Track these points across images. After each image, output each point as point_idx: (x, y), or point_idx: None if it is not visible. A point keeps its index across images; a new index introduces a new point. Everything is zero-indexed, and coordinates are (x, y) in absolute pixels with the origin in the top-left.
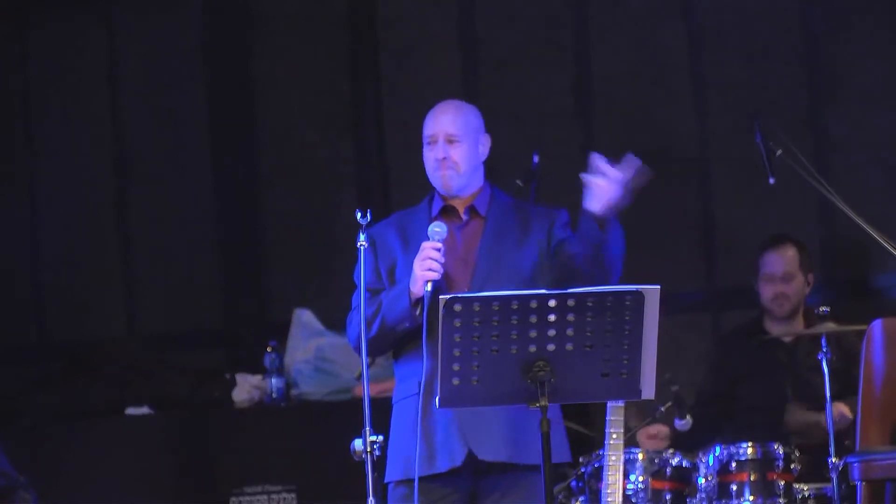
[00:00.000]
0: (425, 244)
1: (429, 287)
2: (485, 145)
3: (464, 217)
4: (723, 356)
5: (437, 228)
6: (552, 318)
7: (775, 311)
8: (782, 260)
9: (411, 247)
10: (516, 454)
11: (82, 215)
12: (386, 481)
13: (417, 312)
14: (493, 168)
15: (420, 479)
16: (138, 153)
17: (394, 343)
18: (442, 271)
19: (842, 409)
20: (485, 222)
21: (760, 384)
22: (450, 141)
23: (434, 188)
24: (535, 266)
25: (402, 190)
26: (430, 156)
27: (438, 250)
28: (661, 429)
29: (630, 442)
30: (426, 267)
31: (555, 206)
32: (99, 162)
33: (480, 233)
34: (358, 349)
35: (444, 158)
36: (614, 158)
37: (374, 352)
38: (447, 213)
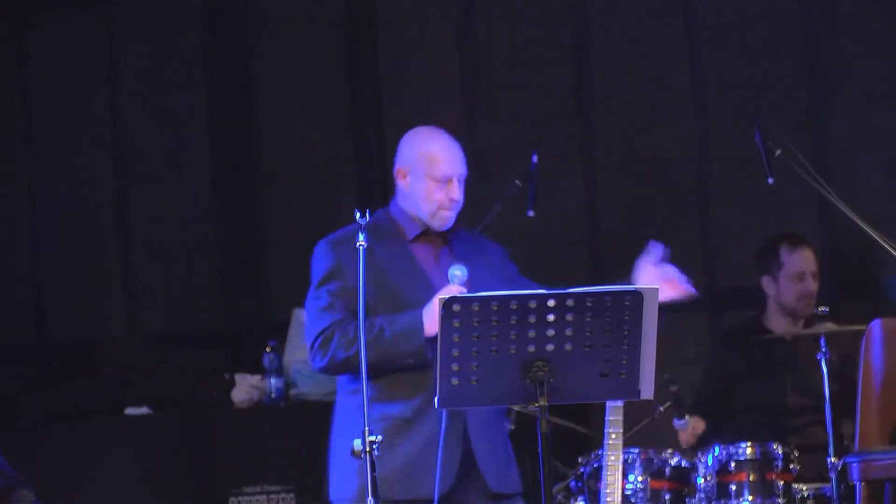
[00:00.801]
0: (452, 287)
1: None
2: None
3: (438, 240)
4: (722, 355)
5: (458, 272)
6: (551, 318)
7: (800, 310)
8: (808, 259)
9: (394, 267)
10: (503, 483)
11: (82, 215)
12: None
13: (430, 356)
14: (491, 168)
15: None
16: (138, 153)
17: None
18: None
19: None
20: (450, 247)
21: (760, 383)
22: (460, 180)
23: (394, 209)
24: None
25: None
26: (439, 195)
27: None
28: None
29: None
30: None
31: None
32: (99, 162)
33: (450, 255)
34: (326, 374)
35: (459, 201)
36: (614, 158)
37: (337, 372)
38: (422, 236)
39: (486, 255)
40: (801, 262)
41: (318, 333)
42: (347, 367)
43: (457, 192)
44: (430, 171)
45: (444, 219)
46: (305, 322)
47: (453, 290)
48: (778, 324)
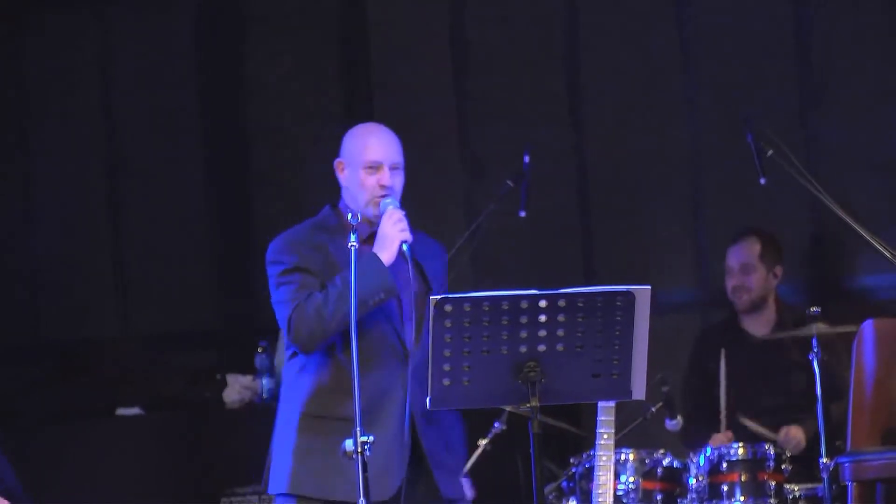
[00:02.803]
0: (392, 210)
1: (405, 247)
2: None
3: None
4: (700, 355)
5: (390, 201)
6: (543, 318)
7: (735, 303)
8: (741, 252)
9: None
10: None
11: (76, 215)
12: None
13: (385, 297)
14: (483, 168)
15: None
16: (132, 154)
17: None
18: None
19: (795, 433)
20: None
21: (735, 383)
22: (394, 168)
23: (341, 207)
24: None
25: None
26: (370, 181)
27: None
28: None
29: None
30: (401, 228)
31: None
32: (93, 162)
33: (408, 257)
34: (310, 349)
35: (391, 187)
36: (606, 158)
37: (322, 340)
38: (371, 238)
39: (436, 260)
40: (731, 256)
41: (289, 313)
42: (328, 332)
43: (387, 179)
44: (361, 158)
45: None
46: (277, 315)
47: (395, 212)
48: (745, 323)
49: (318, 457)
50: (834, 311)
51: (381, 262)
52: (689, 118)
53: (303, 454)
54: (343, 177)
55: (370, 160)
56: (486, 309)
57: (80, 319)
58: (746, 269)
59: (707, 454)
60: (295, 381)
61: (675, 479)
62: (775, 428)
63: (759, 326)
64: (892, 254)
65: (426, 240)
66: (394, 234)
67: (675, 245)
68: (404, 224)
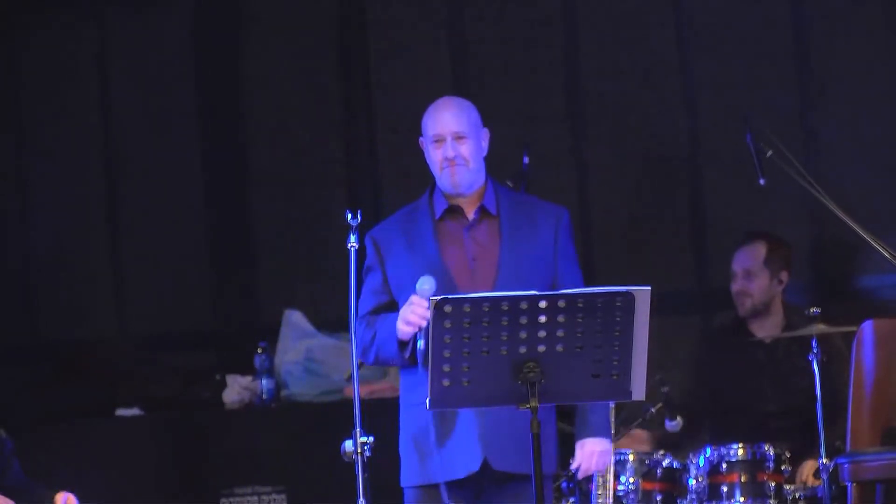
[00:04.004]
0: (413, 298)
1: (420, 345)
2: (485, 140)
3: (473, 216)
4: (706, 355)
5: (427, 286)
6: (543, 319)
7: (738, 307)
8: (745, 257)
9: (416, 252)
10: (527, 465)
11: (74, 215)
12: (403, 485)
13: (407, 355)
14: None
15: (436, 485)
16: (128, 153)
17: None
18: (427, 325)
19: (807, 472)
20: (499, 221)
21: (741, 385)
22: (458, 138)
23: (435, 186)
24: (548, 266)
25: (392, 191)
26: (436, 155)
27: (426, 297)
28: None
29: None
30: (409, 321)
31: (559, 205)
32: (91, 162)
33: (498, 233)
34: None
35: (455, 157)
36: (606, 158)
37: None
38: (452, 213)
39: (537, 232)
40: (735, 260)
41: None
42: (375, 366)
43: (449, 150)
44: (428, 134)
45: (454, 178)
46: None
47: (415, 302)
48: (753, 326)
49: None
50: (834, 312)
51: (395, 340)
52: (689, 118)
53: None
54: (426, 155)
55: (433, 134)
56: (486, 309)
57: (78, 319)
58: (749, 275)
59: (707, 455)
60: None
61: (674, 479)
62: (782, 432)
63: (766, 330)
64: (891, 254)
65: (536, 214)
66: (401, 327)
67: (675, 246)
68: (416, 317)
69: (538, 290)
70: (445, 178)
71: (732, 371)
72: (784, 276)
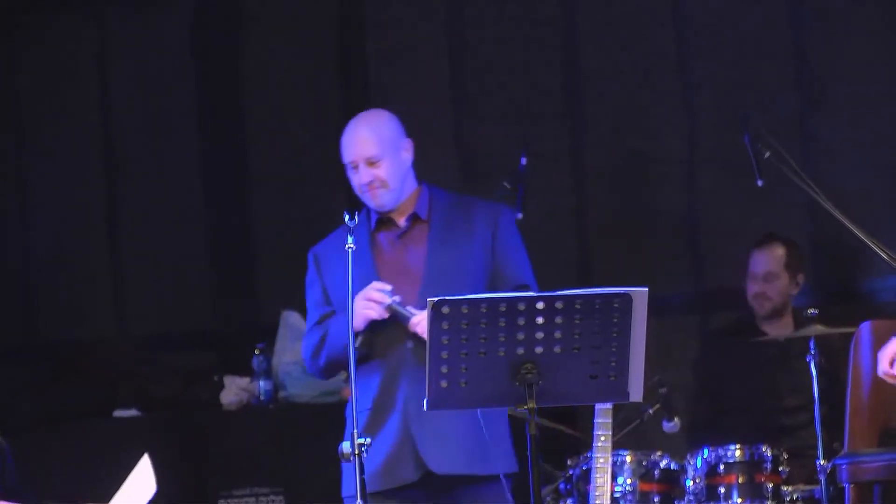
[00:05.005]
0: (375, 283)
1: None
2: (408, 150)
3: (403, 224)
4: (710, 356)
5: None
6: (540, 320)
7: (756, 309)
8: (766, 259)
9: (353, 264)
10: (473, 465)
11: (74, 216)
12: (343, 496)
13: (358, 344)
14: (481, 169)
15: (376, 493)
16: (128, 153)
17: (345, 366)
18: (385, 315)
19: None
20: (428, 226)
21: (751, 384)
22: (370, 164)
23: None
24: (483, 268)
25: None
26: (353, 180)
27: (386, 292)
28: None
29: None
30: (367, 306)
31: (498, 202)
32: (90, 162)
33: (425, 239)
34: (312, 372)
35: (371, 181)
36: (603, 159)
37: (328, 376)
38: (385, 223)
39: (472, 231)
40: (755, 262)
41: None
42: (325, 372)
43: (364, 176)
44: (342, 159)
45: (376, 200)
46: None
47: (375, 286)
48: (767, 325)
49: None
50: (832, 314)
51: (348, 330)
52: (687, 119)
53: None
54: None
55: (346, 161)
56: (484, 310)
57: (78, 319)
58: (770, 277)
59: (704, 456)
60: None
61: (672, 480)
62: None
63: (778, 330)
64: (889, 256)
65: (472, 214)
66: (359, 311)
67: (673, 247)
68: (374, 303)
69: (470, 291)
70: (369, 202)
71: (735, 371)
72: (801, 278)
